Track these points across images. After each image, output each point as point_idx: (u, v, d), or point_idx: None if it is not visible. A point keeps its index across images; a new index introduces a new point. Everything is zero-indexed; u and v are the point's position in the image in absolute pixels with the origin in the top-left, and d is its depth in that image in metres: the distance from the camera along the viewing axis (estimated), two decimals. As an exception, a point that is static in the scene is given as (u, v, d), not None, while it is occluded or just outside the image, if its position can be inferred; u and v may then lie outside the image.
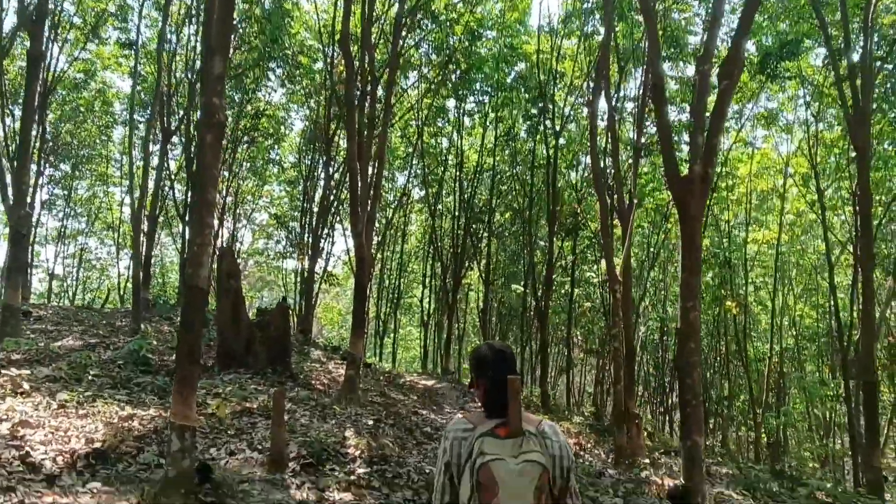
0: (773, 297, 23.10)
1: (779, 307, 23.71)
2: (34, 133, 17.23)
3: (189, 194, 19.73)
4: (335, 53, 18.81)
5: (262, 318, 12.74)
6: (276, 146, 25.75)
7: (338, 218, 24.21)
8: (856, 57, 13.30)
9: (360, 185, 12.19)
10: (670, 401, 25.60)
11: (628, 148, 18.87)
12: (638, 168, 16.12)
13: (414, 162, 25.16)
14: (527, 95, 22.02)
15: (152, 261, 18.81)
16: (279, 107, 24.44)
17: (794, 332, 25.62)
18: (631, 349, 13.29)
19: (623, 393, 12.21)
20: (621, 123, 19.57)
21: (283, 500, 6.06)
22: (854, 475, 15.51)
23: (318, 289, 24.40)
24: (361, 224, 12.02)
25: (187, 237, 16.88)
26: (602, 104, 15.40)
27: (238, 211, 27.12)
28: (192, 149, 18.22)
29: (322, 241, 22.41)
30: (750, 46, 17.49)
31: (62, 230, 29.48)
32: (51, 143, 23.75)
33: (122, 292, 27.23)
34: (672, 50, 17.28)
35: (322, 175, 22.82)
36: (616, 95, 17.69)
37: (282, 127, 25.03)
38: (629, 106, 20.50)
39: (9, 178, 12.31)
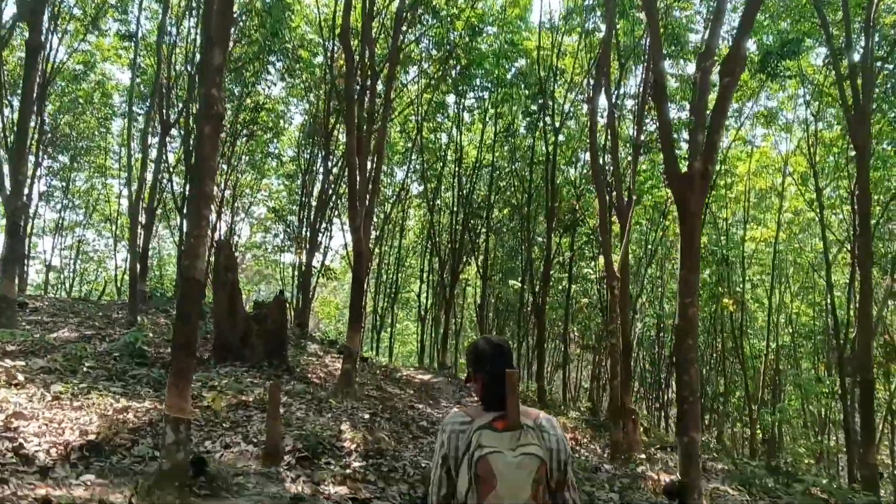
0: (770, 294, 23.17)
1: (775, 305, 23.78)
2: (32, 124, 17.16)
3: (187, 187, 19.68)
4: (335, 47, 18.75)
5: (258, 312, 12.73)
6: (275, 140, 25.68)
7: (336, 212, 24.18)
8: (857, 56, 13.30)
9: (358, 179, 12.17)
10: (666, 397, 25.67)
11: (627, 145, 18.86)
12: (637, 165, 16.11)
13: (413, 157, 25.13)
14: (527, 92, 21.98)
15: (150, 253, 18.77)
16: (279, 100, 24.38)
17: (791, 330, 25.69)
18: (628, 345, 13.33)
19: (620, 388, 12.24)
20: (621, 120, 19.57)
21: (277, 494, 6.04)
22: (849, 471, 15.58)
23: (316, 283, 24.39)
24: (360, 218, 12.00)
25: (185, 230, 16.84)
26: (602, 101, 15.40)
27: (236, 204, 27.05)
28: (191, 141, 18.17)
29: (320, 235, 22.41)
30: (750, 45, 17.46)
31: (60, 222, 29.42)
32: (49, 135, 23.70)
33: (119, 284, 27.20)
34: (672, 48, 17.26)
35: (321, 169, 22.80)
36: (616, 92, 17.69)
37: (281, 121, 24.98)
38: (629, 103, 20.55)
39: (6, 169, 12.27)
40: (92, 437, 6.41)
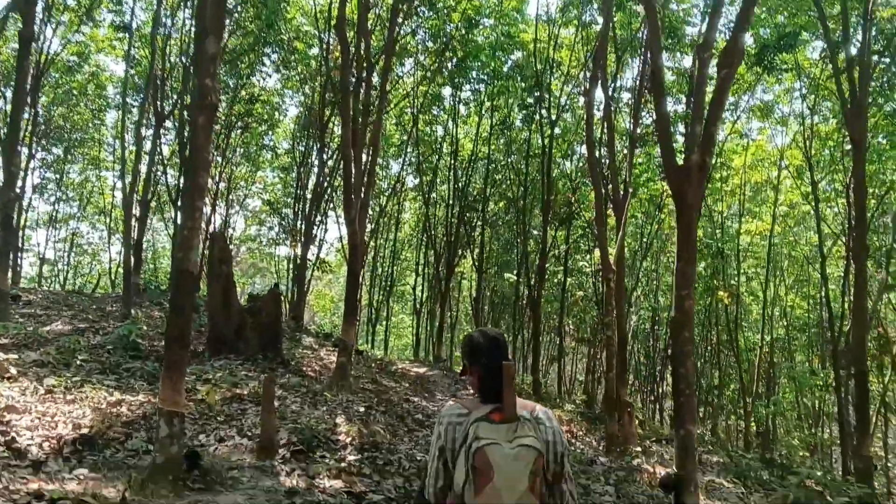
0: (765, 287, 23.22)
1: (770, 298, 23.82)
2: (26, 116, 17.03)
3: (182, 179, 19.59)
4: (331, 39, 18.66)
5: (253, 304, 12.69)
6: (270, 132, 25.57)
7: (331, 205, 24.11)
8: (854, 50, 13.29)
9: (353, 172, 12.12)
10: (661, 389, 25.75)
11: (624, 138, 18.83)
12: (633, 158, 16.09)
13: (408, 150, 25.06)
14: (523, 84, 21.92)
15: (144, 246, 18.63)
16: (274, 92, 24.24)
17: (785, 323, 25.75)
18: (623, 338, 13.34)
19: (615, 381, 12.24)
20: (617, 113, 19.53)
21: (272, 487, 6.01)
22: (843, 463, 15.63)
23: (311, 276, 24.33)
24: (355, 211, 11.95)
25: (179, 222, 16.77)
26: (598, 94, 15.33)
27: (231, 197, 26.93)
28: (185, 133, 18.03)
29: (315, 227, 22.32)
30: (747, 38, 17.44)
31: (54, 214, 29.29)
32: (43, 127, 23.54)
33: (113, 277, 27.11)
34: (670, 40, 17.21)
35: (316, 162, 22.71)
36: (613, 85, 17.62)
37: (276, 113, 24.85)
38: (625, 96, 20.52)
39: (-1, 161, 12.17)
40: (85, 430, 6.38)
